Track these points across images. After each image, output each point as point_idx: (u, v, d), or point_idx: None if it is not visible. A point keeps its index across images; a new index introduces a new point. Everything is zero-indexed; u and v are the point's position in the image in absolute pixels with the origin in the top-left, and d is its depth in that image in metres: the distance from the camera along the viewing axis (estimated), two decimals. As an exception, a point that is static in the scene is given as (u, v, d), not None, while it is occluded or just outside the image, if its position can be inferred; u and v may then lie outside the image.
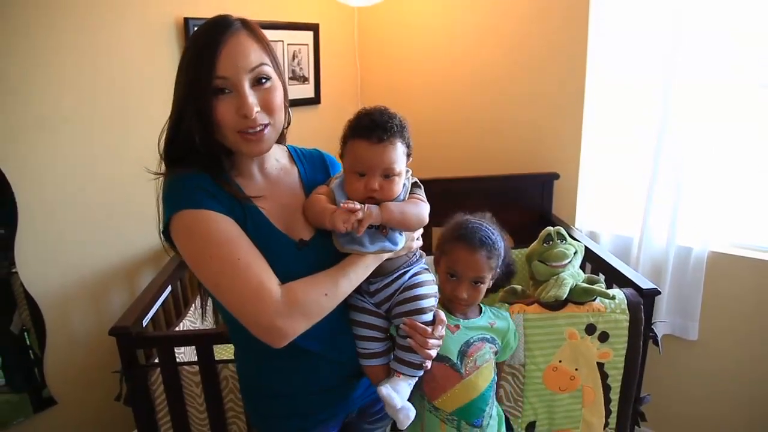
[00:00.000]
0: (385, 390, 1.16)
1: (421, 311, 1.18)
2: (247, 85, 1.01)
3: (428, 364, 1.20)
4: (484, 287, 1.40)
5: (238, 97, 1.01)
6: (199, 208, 1.01)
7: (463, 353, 1.38)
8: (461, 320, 1.42)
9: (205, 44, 1.00)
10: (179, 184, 1.04)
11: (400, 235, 1.14)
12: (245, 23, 1.05)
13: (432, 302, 1.21)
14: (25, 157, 1.74)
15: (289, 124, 1.17)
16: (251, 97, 1.01)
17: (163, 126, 1.07)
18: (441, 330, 1.20)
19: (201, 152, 1.04)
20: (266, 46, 1.06)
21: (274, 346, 1.01)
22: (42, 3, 1.72)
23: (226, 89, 1.00)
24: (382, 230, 1.11)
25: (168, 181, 1.06)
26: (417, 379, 1.23)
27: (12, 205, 1.72)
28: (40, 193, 1.78)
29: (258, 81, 1.03)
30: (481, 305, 1.49)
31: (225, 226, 1.02)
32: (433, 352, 1.18)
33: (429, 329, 1.17)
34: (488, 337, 1.43)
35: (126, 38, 1.93)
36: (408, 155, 1.15)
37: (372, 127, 1.09)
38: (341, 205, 1.06)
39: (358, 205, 1.05)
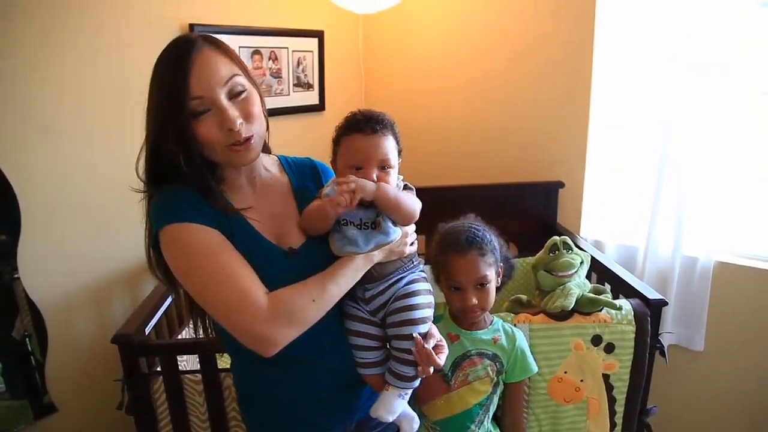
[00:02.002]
0: (373, 411, 1.16)
1: (413, 322, 1.14)
2: (224, 99, 1.00)
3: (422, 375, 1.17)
4: (490, 287, 1.36)
5: (218, 113, 1.00)
6: (183, 221, 1.01)
7: (456, 365, 1.36)
8: (462, 331, 1.39)
9: (172, 69, 0.99)
10: (164, 200, 1.04)
11: (393, 226, 1.12)
12: (207, 38, 1.03)
13: (426, 313, 1.17)
14: (28, 163, 1.73)
15: (266, 130, 1.14)
16: (232, 110, 1.00)
17: (139, 150, 1.07)
18: (443, 357, 1.15)
19: (184, 171, 1.03)
20: (233, 56, 1.05)
21: (263, 355, 1.00)
22: (45, 7, 1.71)
23: (204, 109, 1.00)
24: (377, 227, 1.10)
25: (154, 198, 1.06)
26: (411, 391, 1.20)
27: (15, 210, 1.70)
28: (42, 199, 1.77)
29: (234, 94, 1.02)
30: (495, 317, 1.46)
31: (208, 238, 1.02)
32: (431, 369, 1.14)
33: (429, 347, 1.13)
34: (489, 353, 1.39)
35: (130, 44, 1.92)
36: (399, 152, 1.16)
37: (365, 120, 1.11)
38: (336, 184, 1.06)
39: (352, 177, 1.05)
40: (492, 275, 1.36)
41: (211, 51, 1.01)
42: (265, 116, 1.10)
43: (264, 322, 0.98)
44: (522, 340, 1.45)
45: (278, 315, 0.99)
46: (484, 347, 1.39)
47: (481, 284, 1.34)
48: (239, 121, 1.01)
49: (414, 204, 1.14)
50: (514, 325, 1.51)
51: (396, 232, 1.12)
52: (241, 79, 1.03)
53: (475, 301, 1.33)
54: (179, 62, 0.98)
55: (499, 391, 1.44)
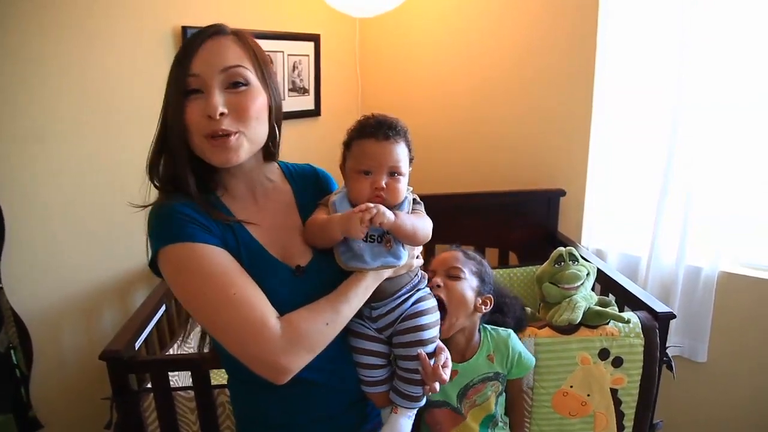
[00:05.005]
0: None
1: (422, 343, 1.14)
2: (217, 85, 0.96)
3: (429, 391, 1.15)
4: (461, 284, 1.33)
5: (206, 96, 0.96)
6: (190, 241, 0.95)
7: (461, 396, 1.34)
8: (458, 364, 1.35)
9: (186, 47, 0.98)
10: (167, 216, 0.97)
11: (404, 249, 1.09)
12: (236, 31, 1.02)
13: (434, 333, 1.16)
14: (14, 170, 1.68)
15: (277, 139, 1.11)
16: (218, 97, 0.95)
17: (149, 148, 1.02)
18: (448, 372, 1.15)
19: (185, 169, 0.99)
20: (253, 53, 1.01)
21: (276, 383, 0.96)
22: (35, 11, 1.66)
23: (198, 89, 0.96)
24: (386, 244, 1.06)
25: (155, 211, 0.99)
26: (416, 411, 1.18)
27: (-1, 218, 1.66)
28: (28, 207, 1.72)
29: (233, 84, 0.97)
30: (481, 328, 1.41)
31: (218, 259, 0.96)
32: (437, 386, 1.13)
33: (434, 362, 1.13)
34: (490, 374, 1.37)
35: (121, 47, 1.88)
36: (410, 160, 1.14)
37: (378, 126, 1.10)
38: (356, 210, 1.02)
39: (371, 204, 1.02)
40: (464, 271, 1.36)
41: (229, 39, 0.99)
42: (271, 123, 1.05)
43: (280, 350, 0.94)
44: (513, 339, 1.41)
45: (294, 342, 0.95)
46: (483, 372, 1.37)
47: (452, 276, 1.35)
48: (221, 109, 0.95)
49: (428, 229, 1.12)
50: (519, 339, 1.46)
51: (406, 256, 1.10)
52: (248, 73, 0.99)
53: (440, 282, 1.33)
54: (195, 41, 0.97)
55: (503, 393, 1.43)
